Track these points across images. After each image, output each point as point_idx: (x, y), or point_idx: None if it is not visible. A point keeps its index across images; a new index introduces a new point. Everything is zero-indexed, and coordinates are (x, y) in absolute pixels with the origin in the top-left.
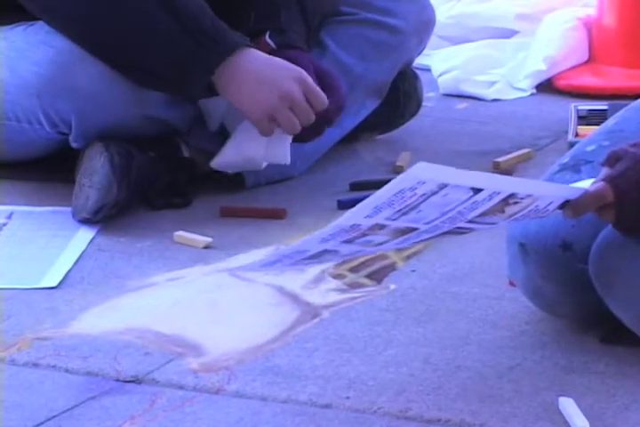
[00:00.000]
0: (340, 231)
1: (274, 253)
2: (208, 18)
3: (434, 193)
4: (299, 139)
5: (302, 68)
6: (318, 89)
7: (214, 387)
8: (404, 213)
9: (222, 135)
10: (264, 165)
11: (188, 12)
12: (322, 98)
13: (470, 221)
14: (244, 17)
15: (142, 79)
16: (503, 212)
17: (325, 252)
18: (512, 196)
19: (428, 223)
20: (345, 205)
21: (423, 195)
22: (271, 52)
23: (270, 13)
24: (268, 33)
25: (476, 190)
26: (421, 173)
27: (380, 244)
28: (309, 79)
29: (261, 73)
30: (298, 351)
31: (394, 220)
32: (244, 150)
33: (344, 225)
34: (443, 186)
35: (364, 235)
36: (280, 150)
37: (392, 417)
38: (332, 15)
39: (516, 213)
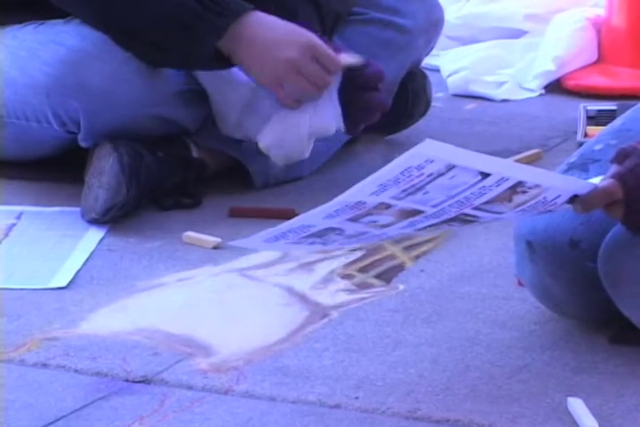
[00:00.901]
0: (345, 208)
1: (277, 228)
2: None
3: (441, 174)
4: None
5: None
6: (328, 51)
7: (223, 387)
8: (410, 194)
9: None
10: (310, 145)
11: None
12: (333, 60)
13: (477, 208)
14: None
15: (150, 50)
16: (510, 201)
17: (330, 230)
18: (520, 184)
19: (434, 206)
20: None
21: (430, 175)
22: None
23: (289, 13)
24: None
25: (484, 175)
26: (428, 150)
27: (386, 225)
28: (318, 43)
29: (266, 39)
30: (307, 352)
31: (400, 199)
32: (288, 126)
33: (349, 201)
34: (450, 167)
35: (369, 213)
36: (323, 120)
37: (401, 417)
38: (344, 13)
39: (523, 204)
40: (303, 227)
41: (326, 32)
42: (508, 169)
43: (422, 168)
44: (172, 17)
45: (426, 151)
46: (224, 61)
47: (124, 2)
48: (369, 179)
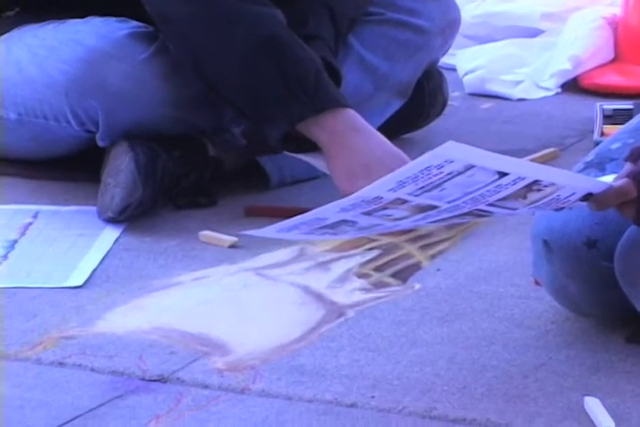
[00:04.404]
0: (362, 202)
1: (292, 220)
2: (312, 69)
3: (459, 173)
4: None
5: None
6: None
7: (239, 386)
8: (427, 191)
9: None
10: None
11: (291, 56)
12: None
13: (491, 204)
14: None
15: (232, 107)
16: (525, 198)
17: (343, 222)
18: (536, 182)
19: (449, 202)
20: None
21: (449, 174)
22: None
23: (299, 20)
24: None
25: (502, 174)
26: (451, 153)
27: (399, 219)
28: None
29: (369, 151)
30: (323, 351)
31: (416, 196)
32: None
33: (366, 196)
34: (470, 166)
35: (384, 208)
36: None
37: (417, 417)
38: (359, 17)
39: (537, 201)
40: (317, 219)
41: (340, 36)
42: (526, 169)
43: (442, 167)
44: (252, 88)
45: (447, 153)
46: (297, 145)
47: (216, 61)
48: (388, 176)
